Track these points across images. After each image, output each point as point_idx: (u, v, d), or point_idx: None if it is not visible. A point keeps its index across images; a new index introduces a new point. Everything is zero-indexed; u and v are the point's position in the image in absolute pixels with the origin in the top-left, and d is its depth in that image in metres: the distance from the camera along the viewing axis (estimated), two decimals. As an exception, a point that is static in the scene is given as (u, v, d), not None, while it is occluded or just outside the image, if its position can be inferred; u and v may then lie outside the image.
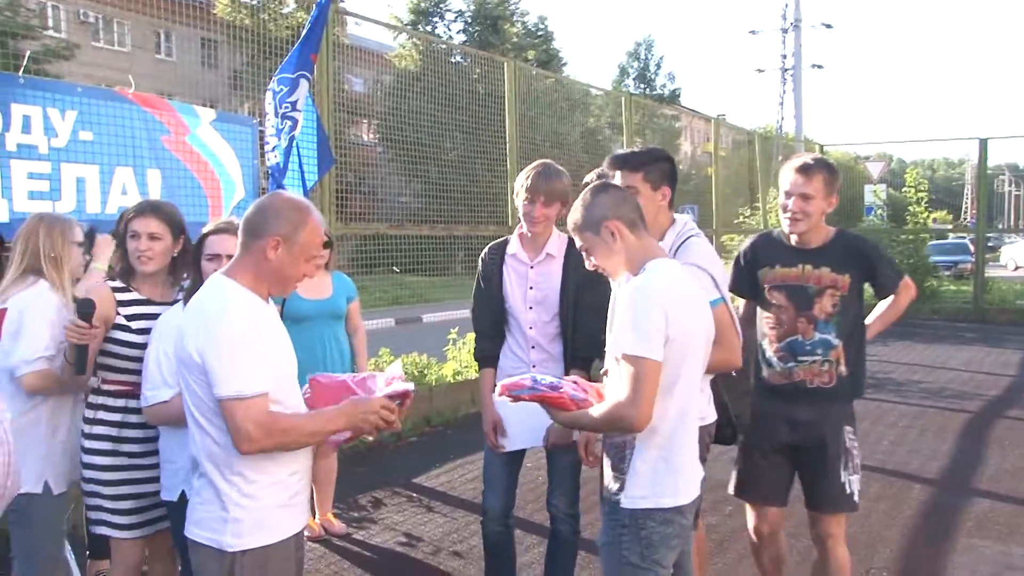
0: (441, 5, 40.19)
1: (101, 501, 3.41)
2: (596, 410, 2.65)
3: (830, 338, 3.61)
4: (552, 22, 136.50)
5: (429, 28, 38.62)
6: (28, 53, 6.06)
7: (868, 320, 3.85)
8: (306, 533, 3.38)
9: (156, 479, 3.38)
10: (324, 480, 5.35)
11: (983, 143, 17.91)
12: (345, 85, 10.49)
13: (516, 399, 2.77)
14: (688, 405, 2.69)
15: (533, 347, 3.77)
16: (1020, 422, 8.28)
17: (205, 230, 3.34)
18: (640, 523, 2.64)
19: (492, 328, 3.88)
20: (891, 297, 3.82)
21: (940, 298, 18.46)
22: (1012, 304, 17.66)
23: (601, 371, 2.98)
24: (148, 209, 3.48)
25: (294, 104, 6.08)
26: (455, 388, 8.82)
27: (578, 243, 2.87)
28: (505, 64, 10.36)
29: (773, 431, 3.70)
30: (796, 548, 4.84)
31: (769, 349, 3.72)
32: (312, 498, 4.97)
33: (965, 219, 54.95)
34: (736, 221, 17.52)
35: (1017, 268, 36.72)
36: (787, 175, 3.61)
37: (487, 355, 3.92)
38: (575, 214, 2.83)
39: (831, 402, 3.65)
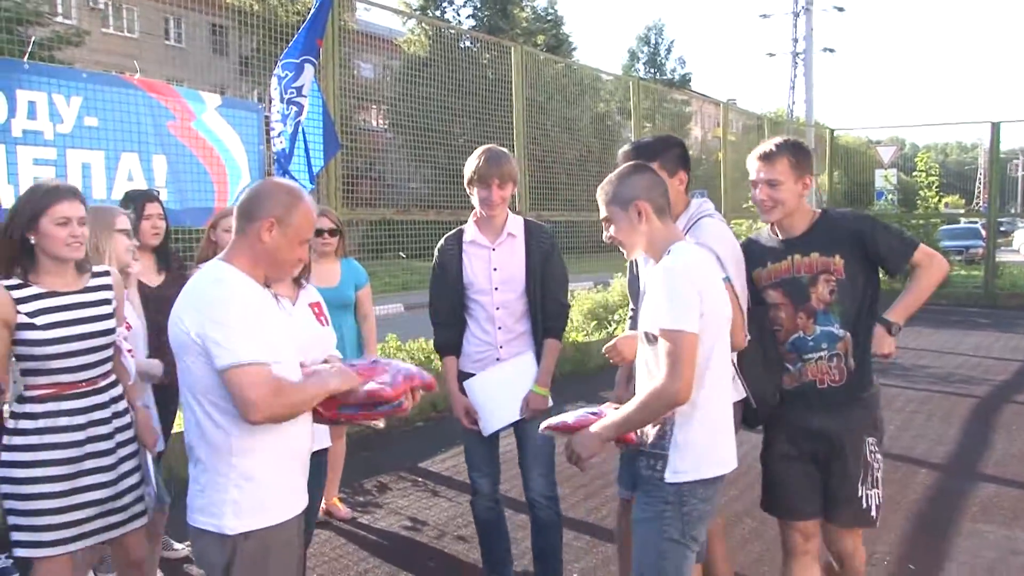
0: (451, -10, 40.11)
1: (18, 519, 3.12)
2: (634, 401, 2.73)
3: (833, 329, 3.34)
4: (562, 6, 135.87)
5: (438, 13, 38.51)
6: (33, 39, 6.08)
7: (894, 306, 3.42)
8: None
9: (88, 488, 3.18)
10: (332, 465, 5.36)
11: (995, 127, 17.78)
12: (354, 71, 10.49)
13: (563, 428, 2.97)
14: (724, 379, 2.80)
15: (500, 328, 3.91)
16: (1028, 407, 8.24)
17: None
18: (684, 499, 2.73)
19: (450, 316, 4.00)
20: (917, 273, 3.37)
21: (950, 283, 18.35)
22: (1023, 289, 17.56)
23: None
24: (71, 193, 3.18)
25: (299, 89, 6.08)
26: (462, 374, 8.74)
27: (603, 212, 2.94)
28: (512, 49, 10.33)
29: (792, 439, 3.45)
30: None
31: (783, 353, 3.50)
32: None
33: (977, 204, 54.59)
34: (745, 206, 17.45)
35: (1030, 253, 36.46)
36: (751, 164, 3.44)
37: (448, 343, 4.06)
38: (608, 186, 2.92)
39: (851, 408, 3.37)
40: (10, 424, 3.13)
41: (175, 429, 4.63)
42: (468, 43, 13.98)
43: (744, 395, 3.37)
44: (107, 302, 3.27)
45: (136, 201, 4.39)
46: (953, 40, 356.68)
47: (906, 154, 42.13)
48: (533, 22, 40.92)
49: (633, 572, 2.91)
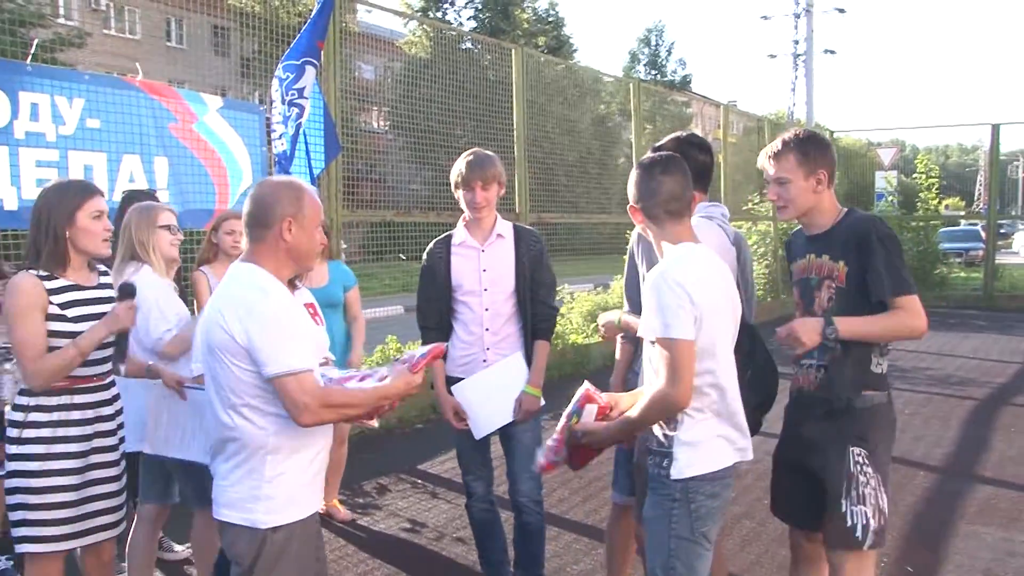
0: (452, -8, 40.14)
1: (29, 513, 3.16)
2: (636, 407, 2.76)
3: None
4: (563, 8, 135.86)
5: (440, 15, 38.54)
6: (36, 40, 6.10)
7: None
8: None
9: (95, 482, 3.25)
10: (334, 468, 5.40)
11: (995, 129, 17.81)
12: (355, 72, 10.50)
13: (571, 444, 2.94)
14: (728, 376, 2.80)
15: (487, 329, 3.94)
16: (1027, 410, 8.25)
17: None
18: (691, 496, 2.74)
19: (438, 320, 4.03)
20: (894, 312, 3.02)
21: (949, 285, 18.39)
22: (1023, 291, 17.57)
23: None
24: (98, 189, 3.30)
25: (300, 91, 6.10)
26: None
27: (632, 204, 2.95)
28: (513, 51, 10.35)
29: (791, 445, 3.33)
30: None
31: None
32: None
33: (978, 206, 54.59)
34: (745, 208, 17.48)
35: (1030, 255, 36.48)
36: (762, 162, 3.31)
37: None
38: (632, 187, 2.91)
39: (834, 418, 3.15)
40: (19, 417, 3.15)
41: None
42: (469, 45, 13.98)
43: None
44: (111, 300, 3.33)
45: (135, 201, 4.41)
46: (954, 42, 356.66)
47: (906, 156, 42.18)
48: (534, 24, 40.97)
49: (647, 571, 2.94)
